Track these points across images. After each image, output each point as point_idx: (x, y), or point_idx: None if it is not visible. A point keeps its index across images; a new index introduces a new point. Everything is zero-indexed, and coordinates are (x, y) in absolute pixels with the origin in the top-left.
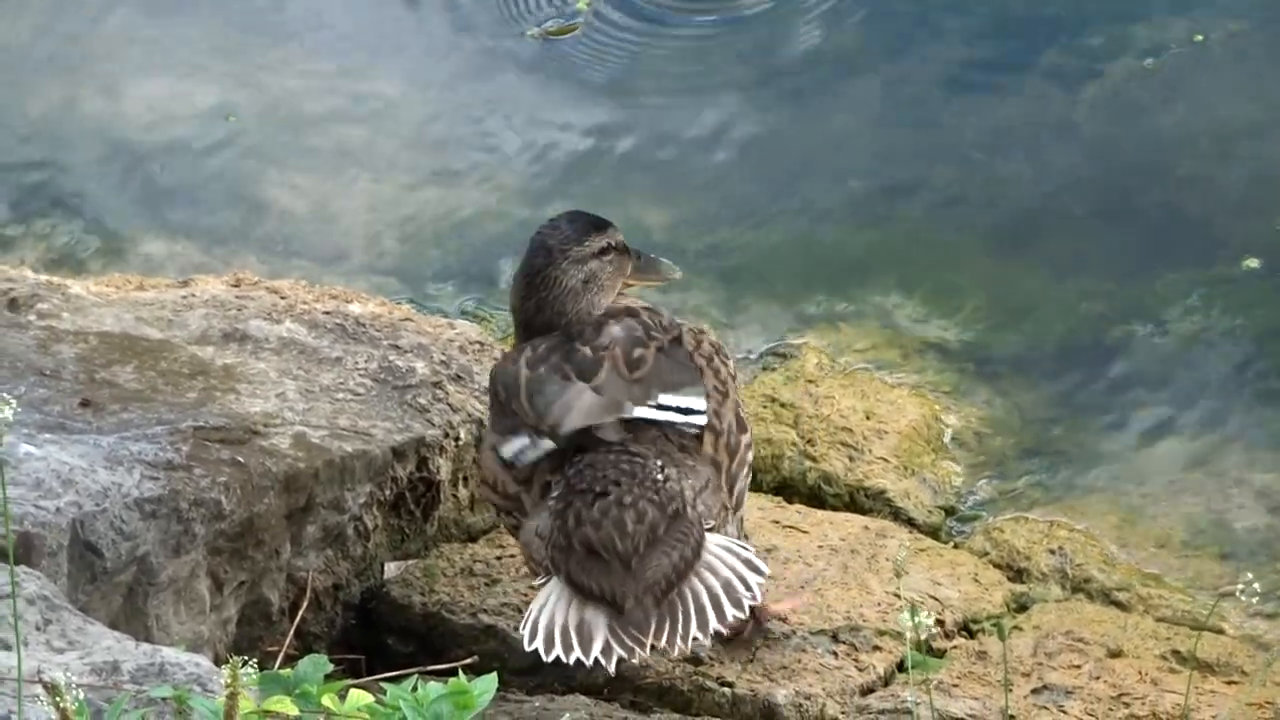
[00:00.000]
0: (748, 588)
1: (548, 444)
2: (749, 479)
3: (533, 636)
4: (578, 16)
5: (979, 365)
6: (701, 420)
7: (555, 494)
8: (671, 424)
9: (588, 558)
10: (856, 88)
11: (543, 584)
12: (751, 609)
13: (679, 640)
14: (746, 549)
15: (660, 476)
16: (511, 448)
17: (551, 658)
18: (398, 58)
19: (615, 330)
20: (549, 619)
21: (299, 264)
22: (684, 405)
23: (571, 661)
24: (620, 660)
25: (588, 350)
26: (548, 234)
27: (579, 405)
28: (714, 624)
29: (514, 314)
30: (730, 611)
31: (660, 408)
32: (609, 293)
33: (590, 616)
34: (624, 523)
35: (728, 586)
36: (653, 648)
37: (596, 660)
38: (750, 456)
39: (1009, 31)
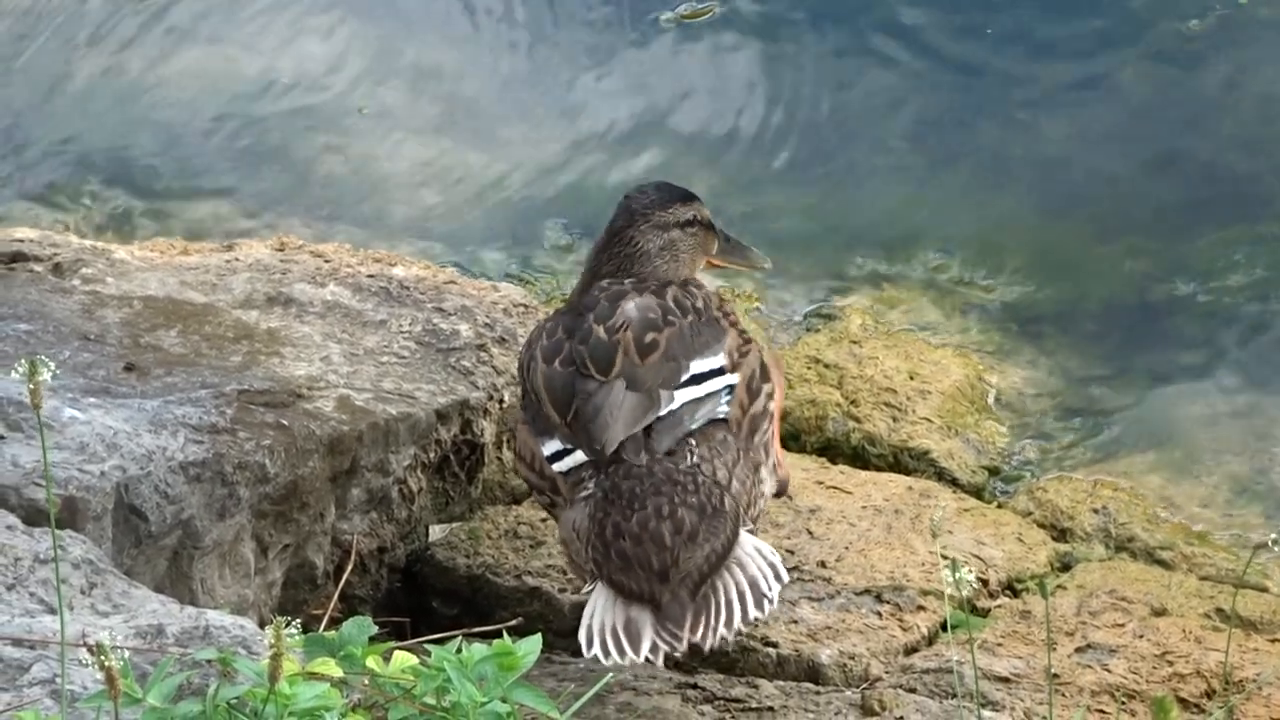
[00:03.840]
0: (769, 588)
1: (581, 456)
2: (773, 426)
3: (589, 644)
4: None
5: (1022, 325)
6: (728, 381)
7: (591, 492)
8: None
9: (626, 565)
10: (900, 50)
11: (590, 590)
12: None
13: (711, 635)
14: (774, 556)
15: (695, 461)
16: (547, 449)
17: (610, 663)
18: (451, 27)
19: (630, 309)
20: (600, 624)
21: (343, 227)
22: (712, 367)
23: (626, 663)
24: (665, 655)
25: (601, 331)
26: (634, 198)
27: (619, 415)
28: (738, 623)
29: (587, 264)
30: (753, 612)
31: (694, 379)
32: (687, 266)
33: (635, 614)
34: (662, 536)
35: (754, 584)
36: (689, 643)
37: (647, 659)
38: (773, 406)
39: None
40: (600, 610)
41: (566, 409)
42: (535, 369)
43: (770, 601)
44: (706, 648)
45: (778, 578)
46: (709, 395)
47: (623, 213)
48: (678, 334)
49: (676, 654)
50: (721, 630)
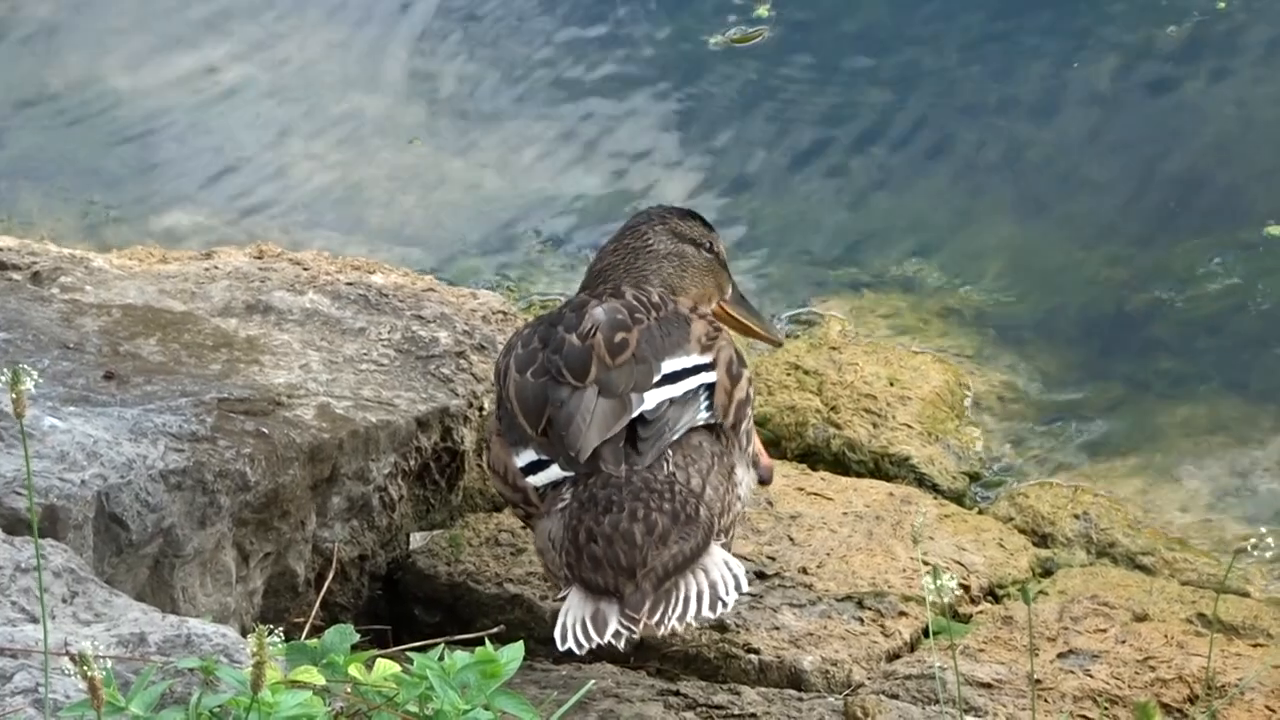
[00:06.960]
0: (726, 594)
1: (558, 471)
2: (752, 412)
3: (562, 640)
4: (762, 23)
5: (1002, 331)
6: (704, 380)
7: (565, 501)
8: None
9: (597, 564)
10: (880, 55)
11: (565, 595)
12: None
13: (665, 623)
14: (739, 569)
15: (671, 470)
16: (521, 460)
17: (583, 651)
18: (469, 40)
19: (598, 313)
20: (571, 620)
21: (321, 234)
22: (685, 365)
23: (592, 645)
24: (625, 638)
25: (574, 339)
26: (656, 207)
27: (592, 421)
28: (691, 617)
29: (593, 262)
30: (706, 610)
31: (667, 379)
32: (692, 285)
33: (604, 606)
34: (633, 535)
35: (713, 587)
36: (645, 626)
37: (610, 641)
38: (752, 393)
39: None
40: (573, 609)
41: (539, 420)
42: (509, 378)
43: (724, 605)
44: (659, 634)
45: (737, 587)
46: (686, 394)
47: (643, 214)
48: (647, 332)
49: (635, 636)
50: (674, 621)
